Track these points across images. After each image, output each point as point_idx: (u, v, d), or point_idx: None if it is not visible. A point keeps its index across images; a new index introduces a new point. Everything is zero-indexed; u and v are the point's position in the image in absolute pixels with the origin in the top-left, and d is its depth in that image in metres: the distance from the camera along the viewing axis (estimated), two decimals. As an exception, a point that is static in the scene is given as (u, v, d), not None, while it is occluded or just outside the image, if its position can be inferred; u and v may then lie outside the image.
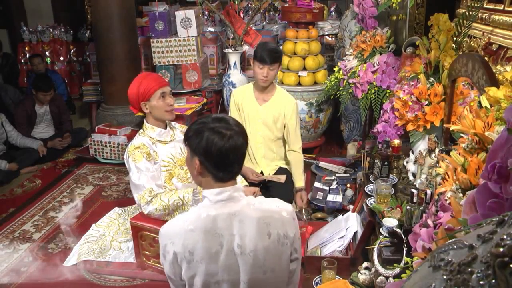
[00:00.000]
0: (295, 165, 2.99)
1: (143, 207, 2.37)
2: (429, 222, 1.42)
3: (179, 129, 2.65)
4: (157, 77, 2.54)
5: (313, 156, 4.13)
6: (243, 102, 2.97)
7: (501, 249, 0.55)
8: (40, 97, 4.39)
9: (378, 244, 2.00)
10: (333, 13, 5.46)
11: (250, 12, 4.96)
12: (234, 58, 4.42)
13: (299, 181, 3.00)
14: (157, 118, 2.48)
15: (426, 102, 2.24)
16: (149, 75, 2.53)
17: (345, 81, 3.34)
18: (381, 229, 2.06)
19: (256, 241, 1.36)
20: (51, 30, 6.35)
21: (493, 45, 2.38)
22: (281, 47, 4.25)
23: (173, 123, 2.66)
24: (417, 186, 2.05)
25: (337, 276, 2.20)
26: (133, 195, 2.44)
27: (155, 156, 2.44)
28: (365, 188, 2.52)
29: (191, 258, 1.36)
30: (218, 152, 1.36)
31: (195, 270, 1.37)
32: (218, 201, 1.40)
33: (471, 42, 2.58)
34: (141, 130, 2.52)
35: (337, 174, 3.44)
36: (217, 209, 1.39)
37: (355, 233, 2.50)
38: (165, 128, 2.54)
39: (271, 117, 2.92)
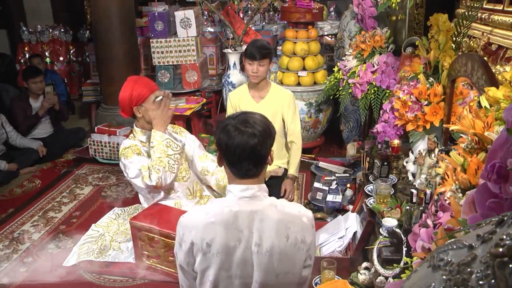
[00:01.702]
0: (292, 155, 2.99)
1: (150, 184, 2.37)
2: (429, 222, 1.42)
3: (171, 130, 2.65)
4: (148, 81, 2.54)
5: (313, 156, 4.13)
6: (240, 103, 2.98)
7: (501, 249, 0.55)
8: (31, 87, 4.37)
9: (378, 244, 2.00)
10: (333, 13, 5.46)
11: (249, 12, 4.96)
12: (233, 58, 4.42)
13: (290, 169, 2.99)
14: (149, 121, 2.49)
15: (426, 102, 2.24)
16: (140, 79, 2.53)
17: (344, 81, 3.34)
18: (380, 229, 2.06)
19: (273, 242, 1.37)
20: (50, 30, 6.35)
21: (492, 45, 2.38)
22: (280, 47, 4.25)
23: None
24: (416, 186, 2.05)
25: (337, 276, 2.20)
26: (138, 185, 2.44)
27: (146, 156, 2.46)
28: (364, 188, 2.52)
29: (207, 250, 1.37)
30: (225, 147, 1.39)
31: (209, 262, 1.38)
32: (242, 197, 1.41)
33: (471, 42, 2.58)
34: (131, 135, 2.54)
35: (336, 174, 3.44)
36: (240, 205, 1.40)
37: (355, 233, 2.50)
38: None
39: (269, 113, 2.92)
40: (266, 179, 2.95)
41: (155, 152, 2.36)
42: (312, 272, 2.31)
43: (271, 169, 3.00)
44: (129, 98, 2.42)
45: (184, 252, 1.42)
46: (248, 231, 1.37)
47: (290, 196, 2.91)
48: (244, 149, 1.37)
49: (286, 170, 3.05)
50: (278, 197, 2.80)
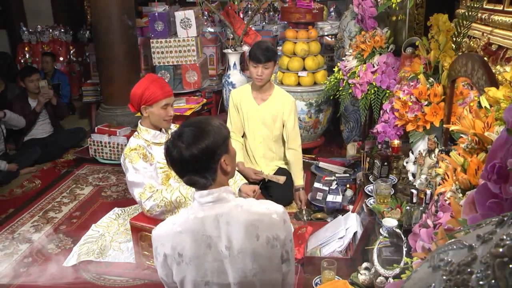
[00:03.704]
0: (294, 163, 3.00)
1: (144, 204, 2.36)
2: (429, 222, 1.42)
3: (174, 129, 2.64)
4: (164, 84, 2.49)
5: (313, 156, 4.13)
6: (242, 102, 2.98)
7: (501, 250, 0.55)
8: (29, 86, 4.36)
9: (378, 245, 2.00)
10: (333, 13, 5.46)
11: (249, 12, 4.96)
12: (233, 59, 4.42)
13: (298, 179, 3.00)
14: (153, 123, 2.48)
15: (426, 103, 2.24)
16: (156, 80, 2.48)
17: (344, 81, 3.34)
18: (380, 229, 2.06)
19: (244, 243, 1.36)
20: (50, 30, 6.35)
21: (492, 46, 2.38)
22: (280, 48, 4.25)
23: None
24: (416, 186, 2.05)
25: (337, 277, 2.20)
26: (133, 194, 2.43)
27: (151, 158, 2.44)
28: (364, 189, 2.52)
29: (180, 259, 1.37)
30: (166, 158, 1.42)
31: (184, 271, 1.38)
32: (206, 202, 1.41)
33: (471, 43, 2.58)
34: (136, 133, 2.52)
35: (336, 175, 3.44)
36: (204, 211, 1.40)
37: (355, 233, 2.50)
38: (160, 130, 2.54)
39: (270, 116, 2.92)
40: (266, 180, 2.95)
41: (174, 196, 2.32)
42: (312, 273, 2.33)
43: (271, 173, 3.00)
44: (140, 96, 2.39)
45: (160, 265, 1.43)
46: (216, 236, 1.37)
47: (304, 206, 2.99)
48: (177, 165, 1.39)
49: (286, 171, 3.05)
50: (283, 198, 2.81)
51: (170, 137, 1.42)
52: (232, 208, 1.40)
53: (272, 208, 1.44)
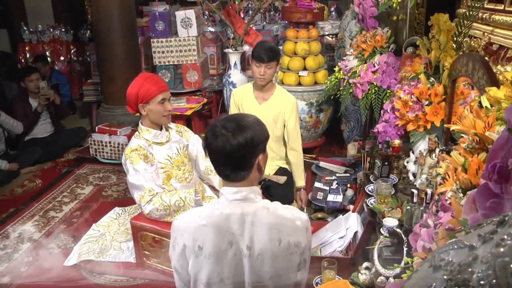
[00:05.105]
0: (296, 164, 3.00)
1: (143, 207, 2.36)
2: (430, 222, 1.42)
3: (175, 129, 2.64)
4: (158, 80, 2.49)
5: (314, 156, 4.13)
6: (243, 101, 2.97)
7: (502, 249, 0.55)
8: (29, 86, 4.36)
9: (379, 244, 1.99)
10: (334, 13, 5.46)
11: (250, 12, 4.96)
12: (234, 58, 4.42)
13: (300, 180, 3.01)
14: (153, 121, 2.47)
15: (427, 102, 2.24)
16: (150, 77, 2.48)
17: (345, 81, 3.34)
18: (381, 229, 2.06)
19: (265, 246, 1.36)
20: (51, 30, 6.36)
21: (493, 45, 2.37)
22: (281, 47, 4.25)
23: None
24: (417, 186, 2.05)
25: (337, 276, 2.20)
26: (133, 196, 2.43)
27: (152, 158, 2.43)
28: (365, 188, 2.52)
29: (199, 252, 1.37)
30: (206, 149, 1.40)
31: (201, 265, 1.38)
32: (234, 200, 1.40)
33: (472, 42, 2.57)
34: (137, 133, 2.51)
35: (337, 174, 3.44)
36: (231, 208, 1.39)
37: (356, 233, 2.50)
38: (160, 129, 2.53)
39: (271, 116, 2.92)
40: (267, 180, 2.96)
41: (173, 200, 2.33)
42: (313, 272, 2.33)
43: (272, 173, 3.00)
44: (136, 95, 2.38)
45: (177, 255, 1.42)
46: (239, 234, 1.36)
47: (305, 205, 3.01)
48: (215, 152, 1.37)
49: (287, 170, 3.05)
50: (284, 197, 2.81)
51: (208, 128, 1.40)
52: (259, 209, 1.40)
53: (296, 214, 1.44)
